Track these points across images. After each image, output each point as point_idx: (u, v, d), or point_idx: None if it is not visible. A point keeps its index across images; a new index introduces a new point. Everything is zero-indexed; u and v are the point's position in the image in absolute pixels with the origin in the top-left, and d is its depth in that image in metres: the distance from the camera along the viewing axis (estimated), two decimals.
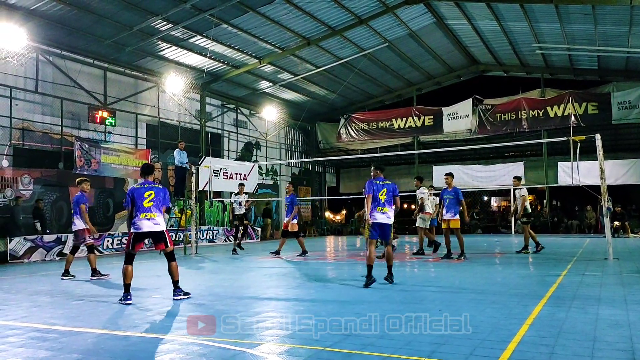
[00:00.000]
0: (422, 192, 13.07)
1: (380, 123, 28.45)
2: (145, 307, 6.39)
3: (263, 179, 26.35)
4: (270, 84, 24.08)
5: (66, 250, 14.70)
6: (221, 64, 21.21)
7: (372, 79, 26.13)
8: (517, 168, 25.07)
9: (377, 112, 28.88)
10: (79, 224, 9.24)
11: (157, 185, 6.93)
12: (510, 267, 9.96)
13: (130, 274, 6.80)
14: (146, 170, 7.14)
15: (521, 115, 25.24)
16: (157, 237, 6.80)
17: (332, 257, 13.23)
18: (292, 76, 23.62)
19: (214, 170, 20.09)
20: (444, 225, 11.19)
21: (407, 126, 27.91)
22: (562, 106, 24.56)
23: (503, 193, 28.23)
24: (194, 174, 16.48)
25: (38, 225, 14.99)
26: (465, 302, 6.12)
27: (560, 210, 27.30)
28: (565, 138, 12.14)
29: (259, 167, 25.40)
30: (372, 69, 24.92)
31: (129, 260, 6.82)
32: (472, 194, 27.84)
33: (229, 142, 24.46)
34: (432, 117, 27.24)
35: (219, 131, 24.00)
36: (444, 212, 10.94)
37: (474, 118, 26.13)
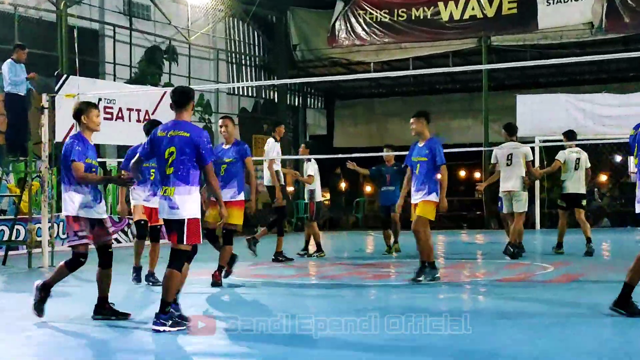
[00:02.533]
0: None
1: (414, 10, 28.47)
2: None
3: None
4: None
5: None
6: None
7: None
8: None
9: None
10: None
11: (182, 133, 8.10)
12: None
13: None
14: (177, 99, 8.36)
15: None
16: (170, 227, 8.21)
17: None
18: None
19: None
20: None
21: (467, 16, 28.00)
22: None
23: None
24: (47, 110, 16.15)
25: None
26: None
27: None
28: None
29: None
30: None
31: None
32: (595, 149, 27.53)
33: (115, 47, 24.67)
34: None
35: (96, 26, 24.13)
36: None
37: (597, 1, 26.10)
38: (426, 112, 12.40)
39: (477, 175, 33.25)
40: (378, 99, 33.88)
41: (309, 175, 17.02)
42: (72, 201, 8.74)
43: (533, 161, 16.02)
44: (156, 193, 12.07)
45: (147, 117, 21.96)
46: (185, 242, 8.07)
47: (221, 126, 12.49)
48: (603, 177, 30.12)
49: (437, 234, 24.70)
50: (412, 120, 11.90)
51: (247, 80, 30.11)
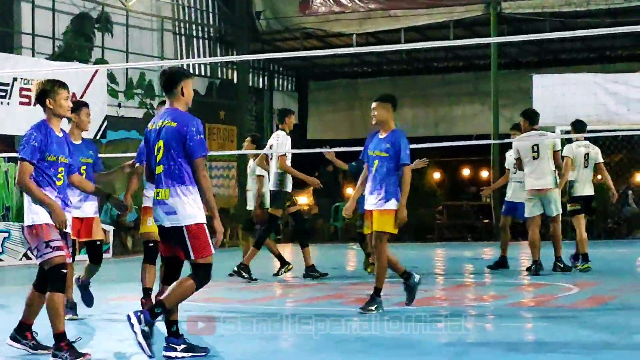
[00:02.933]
0: None
1: None
2: None
3: (120, 105, 26.30)
4: None
5: None
6: None
7: None
8: None
9: None
10: None
11: (169, 124, 8.34)
12: None
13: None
14: (162, 84, 8.74)
15: None
16: (171, 238, 8.42)
17: None
18: None
19: None
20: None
21: None
22: None
23: None
24: None
25: None
26: None
27: None
28: None
29: (110, 76, 25.38)
30: None
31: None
32: (629, 142, 27.69)
33: (34, 14, 24.57)
34: None
35: None
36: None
37: None
38: (392, 96, 12.11)
39: (485, 174, 33.33)
40: (362, 79, 33.83)
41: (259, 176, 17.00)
42: (38, 205, 8.52)
43: (559, 152, 16.11)
44: (87, 197, 11.92)
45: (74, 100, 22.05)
46: (193, 257, 8.25)
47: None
48: (639, 177, 30.16)
49: (436, 247, 24.83)
50: (374, 104, 11.70)
51: (199, 56, 29.99)
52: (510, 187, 16.98)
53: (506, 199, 16.97)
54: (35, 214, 8.43)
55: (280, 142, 15.97)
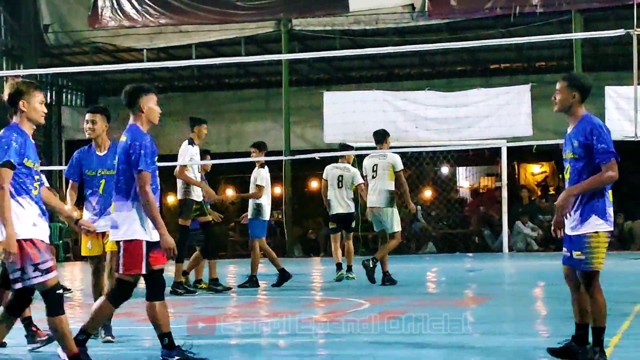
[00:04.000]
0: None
1: None
2: None
3: None
4: None
5: None
6: None
7: None
8: (517, 96, 25.82)
9: None
10: None
11: (122, 138, 8.66)
12: None
13: None
14: (126, 99, 8.97)
15: None
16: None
17: None
18: None
19: None
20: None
21: None
22: None
23: (487, 157, 29.06)
24: None
25: None
26: None
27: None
28: (624, 31, 12.55)
29: None
30: None
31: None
32: (416, 160, 28.33)
33: None
34: None
35: None
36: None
37: None
38: (105, 107, 11.48)
39: (277, 190, 33.42)
40: (158, 94, 33.41)
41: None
42: (18, 217, 7.68)
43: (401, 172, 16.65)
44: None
45: None
46: (120, 272, 8.32)
47: None
48: (427, 193, 30.74)
49: (229, 264, 24.81)
50: (89, 116, 10.94)
51: None
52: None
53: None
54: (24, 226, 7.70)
55: (180, 152, 16.09)
